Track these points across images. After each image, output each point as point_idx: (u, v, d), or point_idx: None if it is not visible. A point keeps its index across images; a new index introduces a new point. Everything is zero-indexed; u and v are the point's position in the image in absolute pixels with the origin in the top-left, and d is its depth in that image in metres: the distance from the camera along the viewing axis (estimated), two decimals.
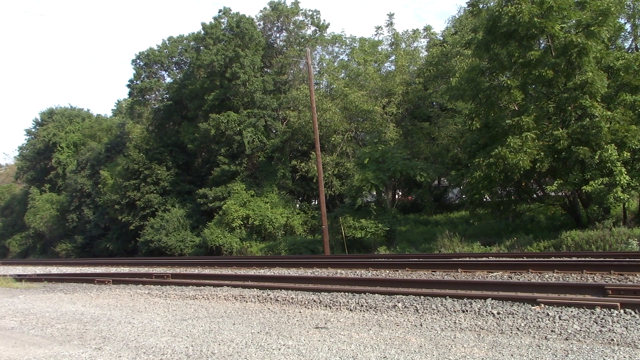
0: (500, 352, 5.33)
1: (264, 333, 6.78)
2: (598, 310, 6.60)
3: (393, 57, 33.93)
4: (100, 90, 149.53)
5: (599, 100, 17.03)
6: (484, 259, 14.06)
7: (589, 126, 16.53)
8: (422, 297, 8.31)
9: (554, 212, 22.57)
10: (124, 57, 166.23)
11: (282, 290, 10.27)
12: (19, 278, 17.64)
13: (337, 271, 13.83)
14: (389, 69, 34.07)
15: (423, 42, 35.53)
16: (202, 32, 36.44)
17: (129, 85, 41.43)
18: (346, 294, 9.23)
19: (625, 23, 22.13)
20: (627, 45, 23.97)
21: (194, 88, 35.33)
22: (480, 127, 20.34)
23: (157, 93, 41.55)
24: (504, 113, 19.40)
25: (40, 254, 49.74)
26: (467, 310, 7.23)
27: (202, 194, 33.28)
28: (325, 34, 36.75)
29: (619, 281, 9.04)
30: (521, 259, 13.07)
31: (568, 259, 12.53)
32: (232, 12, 36.24)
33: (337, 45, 36.35)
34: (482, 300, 7.67)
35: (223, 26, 35.75)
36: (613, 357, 4.96)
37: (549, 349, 5.31)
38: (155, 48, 40.81)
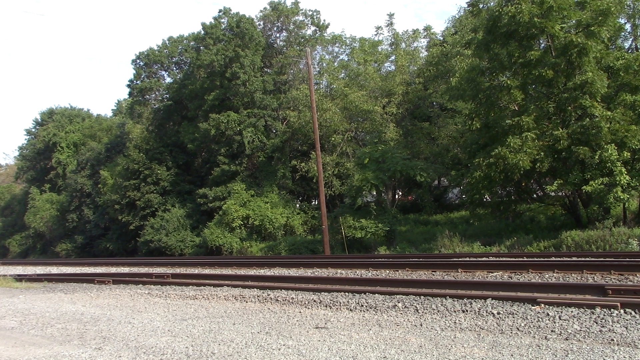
0: (500, 352, 5.32)
1: (264, 333, 6.78)
2: (598, 310, 6.59)
3: (393, 57, 33.94)
4: (100, 90, 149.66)
5: (599, 100, 17.03)
6: (484, 259, 14.06)
7: (589, 126, 16.53)
8: (422, 297, 8.31)
9: (554, 212, 22.56)
10: (124, 57, 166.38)
11: (282, 290, 10.27)
12: (19, 278, 17.63)
13: (337, 271, 13.83)
14: (389, 69, 34.10)
15: (423, 42, 35.62)
16: (202, 32, 36.46)
17: (129, 85, 41.49)
18: (346, 294, 9.22)
19: (625, 23, 22.13)
20: (627, 45, 23.98)
21: (194, 88, 35.34)
22: (480, 127, 20.35)
23: (157, 93, 41.58)
24: (504, 113, 19.40)
25: (40, 254, 49.75)
26: (467, 310, 7.23)
27: (202, 194, 33.29)
28: (325, 34, 36.76)
29: (619, 281, 9.03)
30: (521, 259, 13.07)
31: (568, 259, 12.52)
32: (232, 12, 36.27)
33: (337, 45, 36.39)
34: (482, 300, 7.66)
35: (223, 26, 35.77)
36: (613, 357, 4.96)
37: (549, 349, 5.31)
38: (155, 48, 40.84)
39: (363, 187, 23.14)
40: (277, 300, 9.36)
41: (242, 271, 15.87)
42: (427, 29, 35.81)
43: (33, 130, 56.90)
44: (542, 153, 17.42)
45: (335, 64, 34.54)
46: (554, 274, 10.31)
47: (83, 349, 6.49)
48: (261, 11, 37.06)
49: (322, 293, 9.53)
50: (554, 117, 18.40)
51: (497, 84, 19.06)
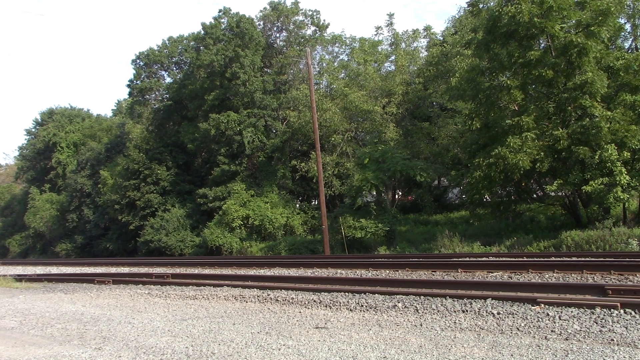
0: (500, 352, 5.32)
1: (264, 333, 6.78)
2: (598, 310, 6.59)
3: (393, 57, 33.94)
4: (100, 90, 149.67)
5: (599, 100, 17.03)
6: (484, 259, 14.06)
7: (589, 126, 16.53)
8: (422, 297, 8.31)
9: (554, 212, 22.56)
10: (124, 57, 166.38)
11: (282, 290, 10.27)
12: (19, 278, 17.63)
13: (337, 271, 13.83)
14: (389, 69, 34.10)
15: (423, 42, 35.62)
16: (202, 32, 36.46)
17: (129, 85, 41.49)
18: (346, 294, 9.22)
19: (625, 23, 22.13)
20: (627, 45, 23.97)
21: (194, 88, 35.34)
22: (480, 127, 20.34)
23: (157, 93, 41.58)
24: (504, 113, 19.40)
25: (40, 254, 49.75)
26: (467, 310, 7.23)
27: (202, 194, 33.29)
28: (325, 34, 36.77)
29: (619, 281, 9.03)
30: (521, 259, 13.07)
31: (568, 259, 12.52)
32: (232, 12, 36.27)
33: (337, 45, 36.39)
34: (482, 300, 7.66)
35: (223, 26, 35.77)
36: (613, 357, 4.96)
37: (549, 349, 5.31)
38: (155, 48, 40.85)
39: (363, 187, 23.14)
40: (277, 300, 9.36)
41: (242, 271, 15.87)
42: (427, 29, 35.84)
43: (33, 130, 56.93)
44: (542, 153, 17.42)
45: (335, 64, 34.55)
46: (554, 274, 10.31)
47: (83, 349, 6.49)
48: (261, 11, 37.13)
49: (322, 293, 9.53)
50: (554, 117, 18.40)
51: (497, 84, 19.07)
